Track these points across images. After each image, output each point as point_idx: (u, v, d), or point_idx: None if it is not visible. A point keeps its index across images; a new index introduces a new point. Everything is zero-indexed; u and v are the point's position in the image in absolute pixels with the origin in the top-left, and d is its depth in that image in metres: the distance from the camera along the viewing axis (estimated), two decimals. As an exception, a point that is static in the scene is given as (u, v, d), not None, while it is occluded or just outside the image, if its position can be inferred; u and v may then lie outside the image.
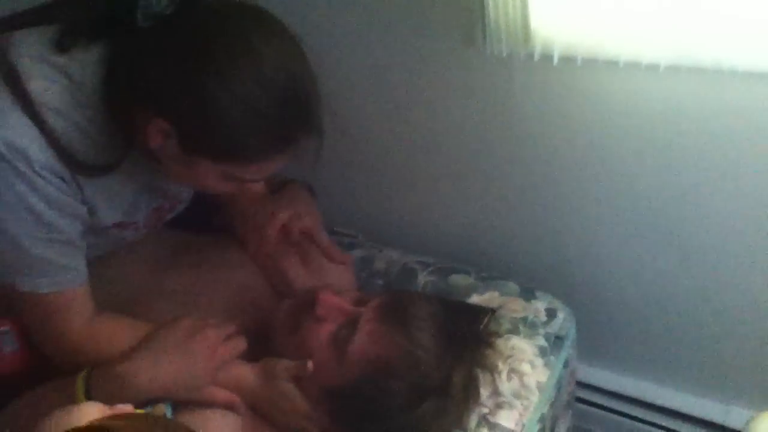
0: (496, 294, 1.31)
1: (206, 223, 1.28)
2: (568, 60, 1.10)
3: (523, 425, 1.11)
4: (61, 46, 0.90)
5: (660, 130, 1.13)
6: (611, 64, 1.07)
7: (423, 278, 1.37)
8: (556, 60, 1.10)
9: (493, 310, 1.25)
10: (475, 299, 1.30)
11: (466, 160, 1.36)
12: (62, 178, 0.91)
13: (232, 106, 0.85)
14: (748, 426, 0.96)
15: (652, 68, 1.05)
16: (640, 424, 1.43)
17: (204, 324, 1.00)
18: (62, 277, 0.96)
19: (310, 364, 0.99)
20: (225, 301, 1.15)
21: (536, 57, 1.12)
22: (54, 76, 0.89)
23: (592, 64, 1.09)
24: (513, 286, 1.32)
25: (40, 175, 0.88)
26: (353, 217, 1.59)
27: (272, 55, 0.86)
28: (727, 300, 1.26)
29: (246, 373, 1.03)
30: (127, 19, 0.87)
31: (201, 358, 0.98)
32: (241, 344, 1.02)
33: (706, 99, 1.07)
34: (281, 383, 1.01)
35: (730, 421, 1.33)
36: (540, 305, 1.28)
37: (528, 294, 1.30)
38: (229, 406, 1.01)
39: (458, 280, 1.35)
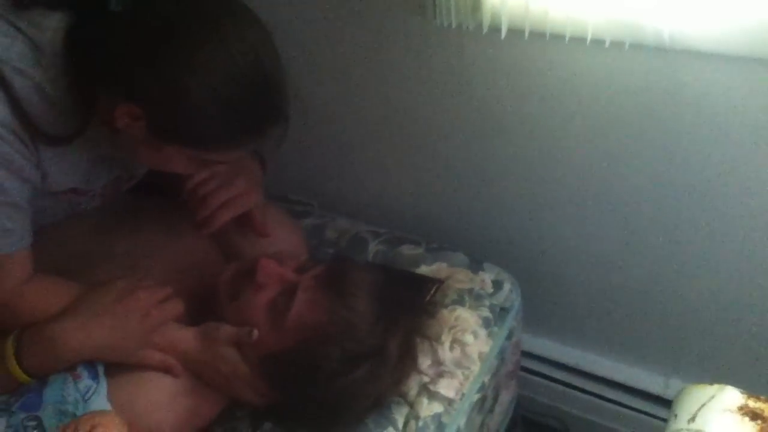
0: (444, 265, 1.32)
1: (157, 187, 1.27)
2: (515, 33, 1.10)
3: (463, 394, 1.12)
4: (20, 3, 0.88)
5: (604, 105, 1.14)
6: (557, 39, 1.07)
7: (373, 248, 1.38)
8: (504, 33, 1.10)
9: (440, 281, 1.27)
10: (423, 270, 1.31)
11: (416, 131, 1.37)
12: (21, 140, 0.89)
13: (202, 94, 0.85)
14: (679, 395, 0.98)
15: (597, 43, 1.05)
16: (582, 394, 1.46)
17: (137, 286, 1.00)
18: (3, 240, 0.94)
19: (255, 333, 1.00)
20: (170, 264, 1.14)
21: (485, 29, 1.12)
22: (15, 34, 0.87)
23: (539, 37, 1.09)
24: (462, 257, 1.33)
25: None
26: (309, 185, 1.59)
27: (243, 44, 0.86)
28: (668, 273, 1.28)
29: (186, 337, 1.03)
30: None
31: (133, 320, 0.98)
32: (176, 307, 1.02)
33: (648, 75, 1.08)
34: (222, 348, 1.02)
35: (669, 393, 1.37)
36: (487, 277, 1.30)
37: (476, 265, 1.32)
38: (164, 369, 1.01)
39: (407, 250, 1.36)
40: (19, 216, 0.95)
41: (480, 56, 1.18)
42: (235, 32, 0.86)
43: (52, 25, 0.89)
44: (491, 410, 1.27)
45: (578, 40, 1.06)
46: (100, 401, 0.94)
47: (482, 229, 1.44)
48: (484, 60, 1.18)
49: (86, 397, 0.93)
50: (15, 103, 0.87)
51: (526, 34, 1.09)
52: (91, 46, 0.88)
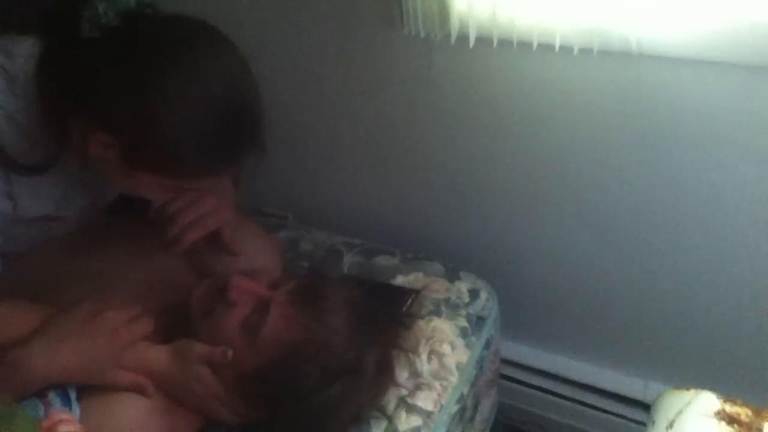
0: (420, 275, 1.31)
1: (127, 205, 1.25)
2: (483, 42, 1.10)
3: (442, 405, 1.12)
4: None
5: (573, 112, 1.14)
6: (525, 46, 1.07)
7: (349, 259, 1.37)
8: (472, 42, 1.10)
9: (416, 292, 1.26)
10: (399, 280, 1.30)
11: (388, 141, 1.36)
12: None
13: (178, 125, 0.84)
14: (657, 401, 0.98)
15: (565, 50, 1.05)
16: (562, 400, 1.46)
17: (104, 307, 0.98)
18: None
19: (229, 353, 0.98)
20: (142, 283, 1.13)
21: (453, 38, 1.12)
22: None
23: (507, 46, 1.09)
24: (438, 266, 1.33)
25: None
26: (283, 198, 1.58)
27: (218, 73, 0.86)
28: (645, 277, 1.29)
29: (158, 356, 1.01)
30: (68, 25, 0.84)
31: (101, 341, 0.96)
32: (145, 326, 1.00)
33: (618, 81, 1.08)
34: (195, 367, 1.00)
35: (648, 397, 1.37)
36: (463, 286, 1.29)
37: (452, 274, 1.31)
38: (136, 389, 0.98)
39: (383, 261, 1.35)
40: None
41: (449, 65, 1.18)
42: (209, 59, 0.86)
43: (23, 52, 0.88)
44: (471, 419, 1.27)
45: (546, 47, 1.06)
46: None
47: (458, 238, 1.43)
48: (454, 69, 1.18)
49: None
50: None
51: (494, 42, 1.09)
52: (62, 73, 0.87)
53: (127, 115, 0.85)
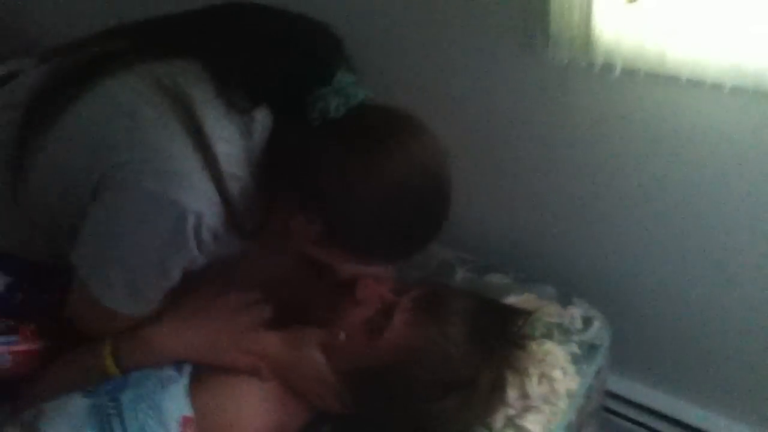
0: (533, 296, 1.31)
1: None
2: (629, 73, 1.09)
3: (550, 430, 1.11)
4: (242, 108, 0.92)
5: (720, 153, 1.12)
6: (673, 80, 1.06)
7: (461, 274, 1.38)
8: (617, 71, 1.09)
9: (529, 313, 1.26)
10: (511, 300, 1.30)
11: (515, 163, 1.36)
12: (215, 238, 0.93)
13: (381, 215, 0.91)
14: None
15: (716, 88, 1.03)
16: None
17: (226, 291, 1.03)
18: (135, 304, 0.96)
19: (342, 334, 1.02)
20: (257, 280, 1.16)
21: (597, 67, 1.11)
22: (236, 139, 0.92)
23: (653, 78, 1.07)
24: (550, 290, 1.32)
25: (200, 240, 0.90)
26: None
27: (426, 171, 0.92)
28: (769, 324, 1.24)
29: (273, 340, 1.04)
30: (293, 106, 0.91)
31: (222, 322, 1.01)
32: (264, 311, 1.05)
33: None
34: (310, 351, 1.03)
35: (760, 447, 1.32)
36: (576, 312, 1.28)
37: (565, 299, 1.30)
38: (253, 372, 1.02)
39: (495, 279, 1.36)
40: (162, 293, 0.98)
41: (590, 94, 1.17)
42: (421, 158, 0.91)
43: (259, 126, 0.93)
44: (572, 448, 1.26)
45: (695, 83, 1.04)
46: (178, 391, 0.96)
47: (571, 264, 1.42)
48: (594, 97, 1.17)
49: (164, 384, 0.96)
50: (228, 209, 0.92)
51: (641, 74, 1.08)
52: (286, 154, 0.93)
53: (335, 199, 0.90)
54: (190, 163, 0.88)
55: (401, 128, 0.93)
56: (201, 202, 0.88)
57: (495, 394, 1.08)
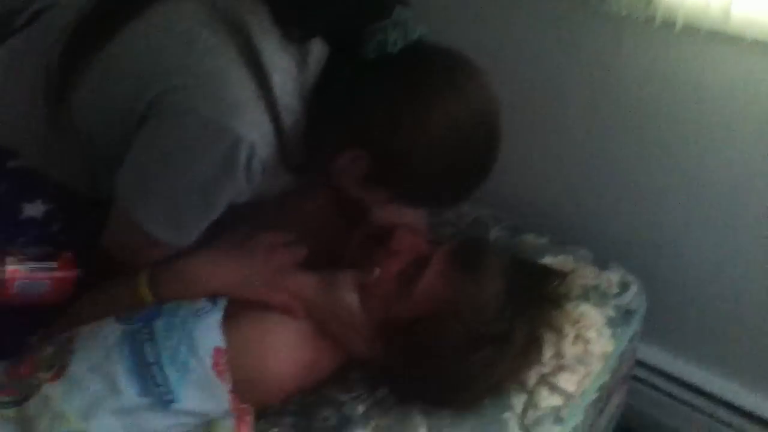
0: (569, 258, 1.29)
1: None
2: (690, 30, 1.06)
3: (583, 390, 1.10)
4: (298, 39, 0.90)
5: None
6: (737, 40, 1.02)
7: (495, 233, 1.36)
8: (678, 28, 1.06)
9: (565, 274, 1.24)
10: (547, 260, 1.28)
11: (559, 119, 1.33)
12: (263, 170, 0.91)
13: (429, 156, 0.88)
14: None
15: (781, 48, 1.00)
16: (696, 413, 1.41)
17: (263, 231, 1.03)
18: (174, 232, 0.95)
19: (377, 270, 1.01)
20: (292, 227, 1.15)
21: (656, 22, 1.08)
22: (291, 70, 0.90)
23: (715, 37, 1.04)
24: (586, 253, 1.30)
25: (249, 171, 0.89)
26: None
27: (478, 111, 0.89)
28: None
29: (309, 281, 1.03)
30: (350, 40, 0.88)
31: (258, 258, 1.01)
32: (299, 251, 1.04)
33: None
34: (344, 293, 1.02)
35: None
36: (612, 276, 1.26)
37: (601, 263, 1.28)
38: (286, 310, 1.01)
39: (530, 239, 1.33)
40: (204, 224, 0.97)
41: (645, 50, 1.14)
42: (472, 99, 0.89)
43: (314, 57, 0.91)
44: (601, 412, 1.25)
45: (761, 44, 1.01)
46: (212, 323, 0.95)
47: (608, 229, 1.40)
48: (652, 53, 1.14)
49: (198, 314, 0.95)
50: (280, 140, 0.90)
51: (702, 32, 1.05)
52: (338, 88, 0.91)
53: (386, 137, 0.88)
54: (246, 92, 0.86)
55: (457, 69, 0.90)
56: (255, 132, 0.87)
57: (530, 350, 1.06)
